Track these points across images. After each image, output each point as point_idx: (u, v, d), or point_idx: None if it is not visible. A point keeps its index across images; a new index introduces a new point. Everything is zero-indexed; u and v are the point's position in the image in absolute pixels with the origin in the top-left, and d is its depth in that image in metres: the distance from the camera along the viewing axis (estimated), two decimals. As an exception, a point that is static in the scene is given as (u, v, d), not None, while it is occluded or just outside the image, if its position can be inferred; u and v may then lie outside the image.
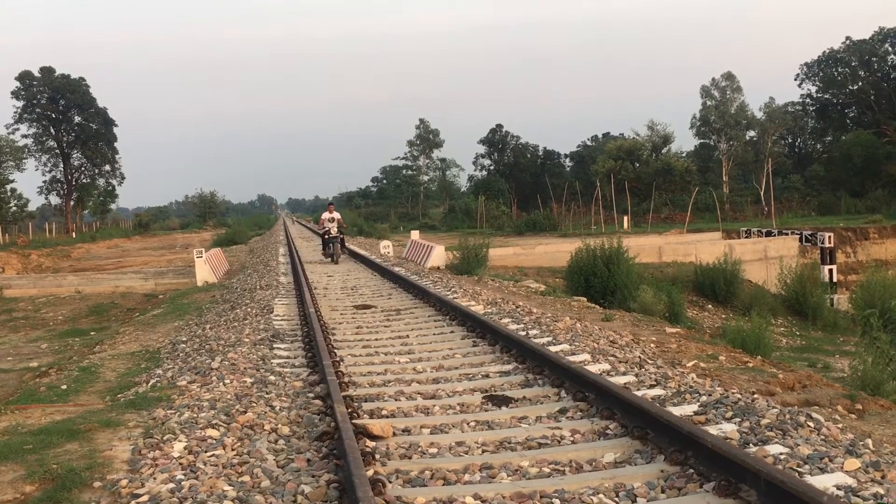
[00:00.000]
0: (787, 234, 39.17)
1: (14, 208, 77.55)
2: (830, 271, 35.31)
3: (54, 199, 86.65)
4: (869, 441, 5.90)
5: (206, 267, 26.44)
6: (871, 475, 5.11)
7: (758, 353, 12.61)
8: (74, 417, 7.81)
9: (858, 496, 4.79)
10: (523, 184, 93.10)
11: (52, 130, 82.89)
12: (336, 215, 26.24)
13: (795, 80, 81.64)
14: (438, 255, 25.65)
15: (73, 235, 73.87)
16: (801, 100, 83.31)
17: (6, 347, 18.44)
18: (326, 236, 26.24)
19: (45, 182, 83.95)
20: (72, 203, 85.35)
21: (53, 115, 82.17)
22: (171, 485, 5.52)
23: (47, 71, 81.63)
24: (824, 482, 4.96)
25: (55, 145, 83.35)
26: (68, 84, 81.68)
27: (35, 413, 8.17)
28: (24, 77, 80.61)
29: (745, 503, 4.81)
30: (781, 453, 5.52)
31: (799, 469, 5.24)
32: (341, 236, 26.52)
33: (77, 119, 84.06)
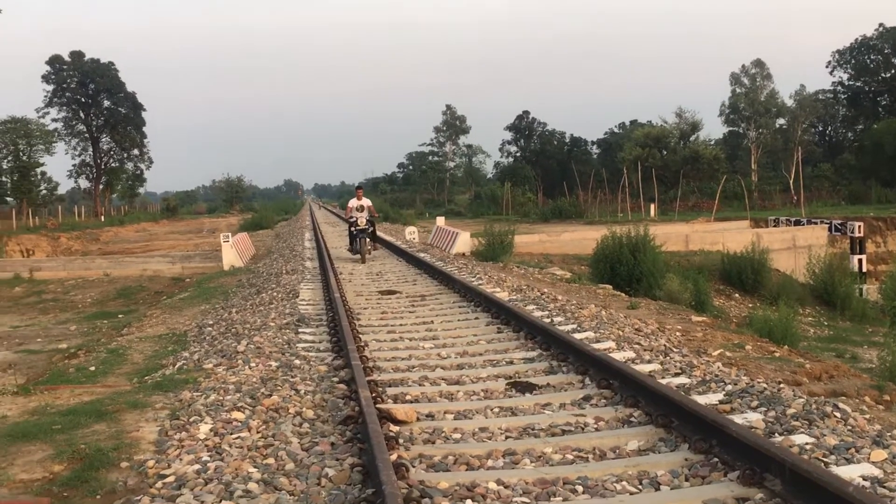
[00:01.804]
0: (816, 223, 38.79)
1: (44, 191, 78.48)
2: (860, 261, 34.94)
3: (83, 183, 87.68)
4: (896, 432, 5.85)
5: (233, 251, 26.60)
6: (898, 466, 5.06)
7: (785, 342, 12.51)
8: (102, 398, 7.89)
9: (885, 487, 4.76)
10: (549, 171, 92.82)
11: (81, 114, 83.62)
12: (366, 202, 21.73)
13: (827, 67, 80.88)
14: (464, 241, 25.64)
15: (102, 219, 74.58)
16: (832, 87, 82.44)
17: (36, 329, 18.68)
18: (354, 228, 21.31)
19: (74, 166, 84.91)
20: (100, 187, 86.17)
21: (83, 100, 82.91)
22: (197, 466, 5.57)
23: (77, 55, 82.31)
24: (850, 473, 4.92)
25: (84, 129, 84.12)
26: (98, 68, 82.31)
27: (64, 394, 8.27)
28: (54, 61, 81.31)
29: (770, 493, 4.78)
30: (807, 443, 5.48)
31: (825, 459, 5.20)
32: (371, 228, 21.66)
33: (106, 103, 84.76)
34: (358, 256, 21.28)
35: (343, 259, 21.85)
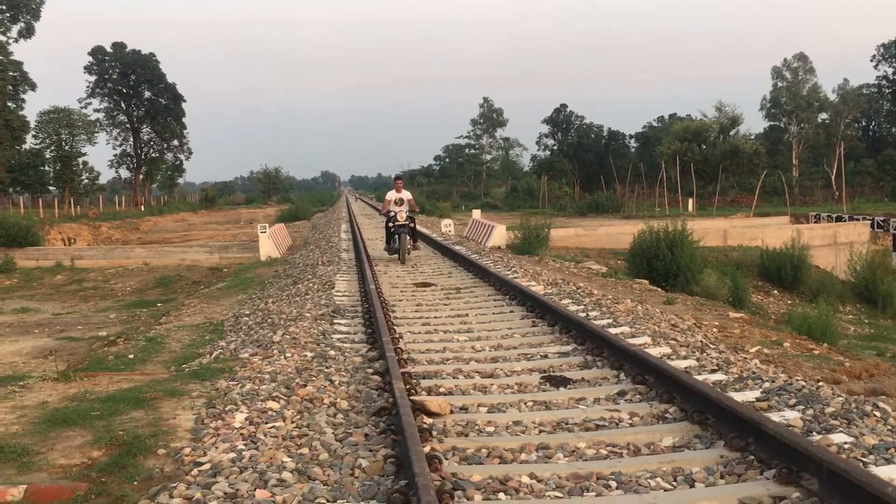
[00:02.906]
0: (857, 220, 38.21)
1: (85, 181, 79.72)
2: (902, 258, 34.34)
3: (124, 173, 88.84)
4: (938, 433, 5.74)
5: (270, 242, 26.80)
6: (939, 468, 4.96)
7: (824, 340, 12.36)
8: (140, 386, 7.99)
9: (925, 489, 4.67)
10: (586, 164, 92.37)
11: (122, 105, 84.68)
12: (406, 195, 19.27)
13: (871, 61, 79.45)
14: (499, 234, 25.61)
15: (142, 208, 75.56)
16: (876, 82, 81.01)
17: (76, 316, 18.97)
18: (392, 224, 18.86)
19: (115, 156, 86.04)
20: (141, 177, 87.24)
21: (124, 90, 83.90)
22: (233, 454, 5.62)
23: (119, 46, 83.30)
24: (890, 473, 4.84)
25: (125, 120, 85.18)
26: (139, 59, 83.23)
27: (103, 381, 8.39)
28: (97, 52, 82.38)
29: (807, 492, 4.72)
30: (846, 442, 5.40)
31: (863, 459, 5.12)
32: (412, 224, 19.04)
33: (147, 94, 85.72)
34: (395, 256, 19.04)
35: (379, 249, 21.92)
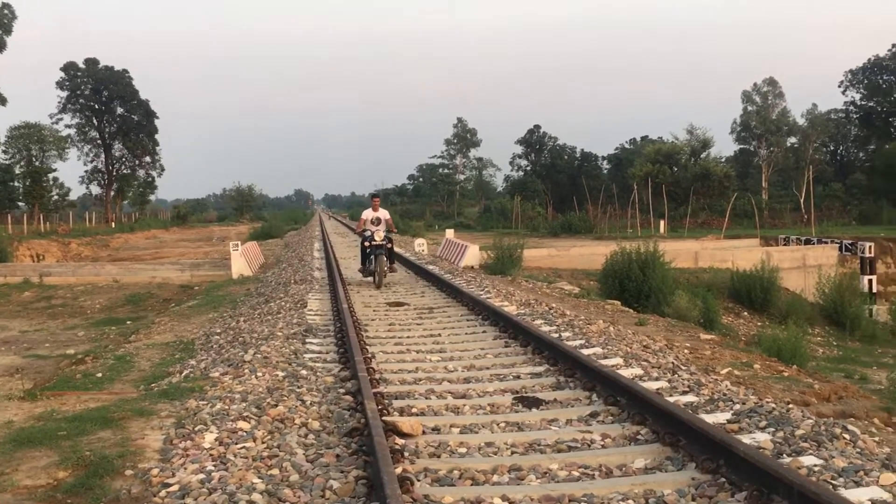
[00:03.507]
0: (826, 243, 38.62)
1: (55, 197, 78.80)
2: (870, 281, 34.73)
3: (95, 189, 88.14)
4: (906, 455, 5.79)
5: (242, 260, 26.66)
6: (907, 490, 5.01)
7: (793, 362, 12.46)
8: (108, 405, 7.90)
9: (894, 511, 4.71)
10: (559, 185, 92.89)
11: (94, 121, 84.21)
12: (383, 213, 18.29)
13: (839, 86, 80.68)
14: (473, 254, 25.64)
15: (113, 225, 74.90)
16: (844, 107, 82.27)
17: (44, 334, 18.73)
18: (368, 245, 17.68)
19: (86, 172, 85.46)
20: (112, 193, 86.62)
21: (96, 106, 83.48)
22: (202, 475, 5.56)
23: (91, 62, 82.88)
24: (859, 496, 4.88)
25: (97, 136, 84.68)
26: (112, 76, 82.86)
27: (70, 400, 8.28)
28: (69, 68, 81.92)
29: (778, 514, 4.73)
30: (816, 465, 5.43)
31: (833, 482, 5.15)
32: (389, 244, 17.88)
33: (119, 110, 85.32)
34: (371, 280, 17.96)
35: (353, 269, 21.79)
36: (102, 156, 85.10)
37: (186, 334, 14.31)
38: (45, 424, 7.13)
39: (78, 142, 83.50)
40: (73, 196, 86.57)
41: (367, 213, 18.35)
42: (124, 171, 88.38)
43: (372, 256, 17.65)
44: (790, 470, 4.99)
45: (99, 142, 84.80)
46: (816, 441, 5.91)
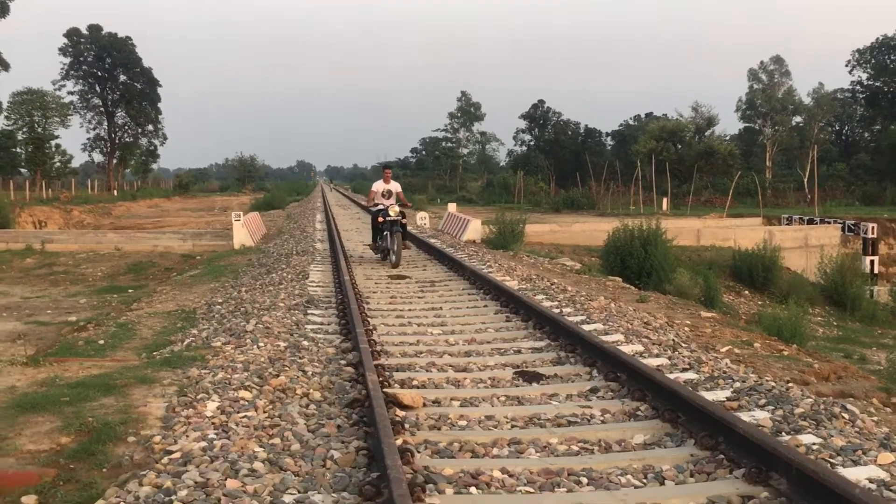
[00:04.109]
0: (829, 223, 38.60)
1: (58, 164, 78.73)
2: (872, 262, 34.77)
3: (97, 157, 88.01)
4: (904, 436, 5.82)
5: (244, 230, 26.63)
6: (904, 470, 5.04)
7: (793, 341, 12.48)
8: (111, 372, 7.92)
9: (891, 490, 4.74)
10: (563, 161, 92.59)
11: (97, 88, 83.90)
12: (394, 186, 17.16)
13: (846, 66, 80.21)
14: (475, 228, 25.61)
15: (115, 193, 74.82)
16: (850, 87, 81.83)
17: (46, 301, 18.76)
18: (380, 220, 16.40)
19: (88, 139, 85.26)
20: (114, 161, 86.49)
21: (99, 73, 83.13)
22: (203, 443, 5.59)
23: (95, 29, 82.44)
24: (857, 475, 4.90)
25: (100, 103, 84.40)
26: (115, 43, 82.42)
27: (72, 366, 8.30)
28: (72, 34, 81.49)
29: (776, 492, 4.76)
30: (814, 443, 5.46)
31: (831, 460, 5.18)
32: (403, 220, 16.41)
33: (122, 78, 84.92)
34: (382, 257, 16.85)
35: (354, 241, 21.74)
36: (105, 123, 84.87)
37: (188, 303, 14.32)
38: (47, 390, 7.15)
39: (80, 109, 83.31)
40: (75, 163, 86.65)
41: (378, 186, 17.23)
42: (127, 140, 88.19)
43: (386, 233, 16.39)
44: (789, 448, 5.01)
45: (101, 109, 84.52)
46: (815, 420, 5.94)
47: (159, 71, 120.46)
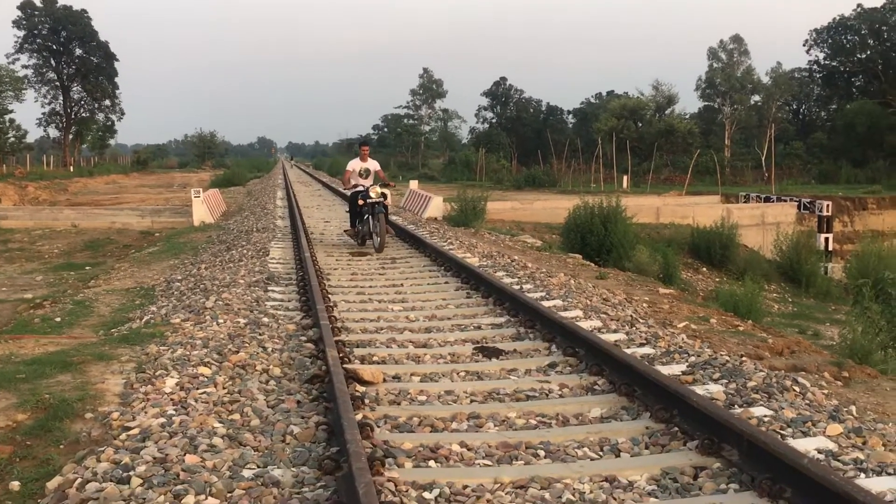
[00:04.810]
0: (785, 201, 39.11)
1: (12, 139, 77.06)
2: (826, 240, 35.32)
3: (53, 132, 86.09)
4: (853, 408, 5.97)
5: (204, 207, 26.37)
6: (852, 441, 5.18)
7: (749, 317, 12.67)
8: (68, 349, 7.85)
9: (839, 460, 4.87)
10: (524, 138, 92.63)
11: (52, 62, 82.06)
12: (373, 165, 15.87)
13: (804, 45, 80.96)
14: (436, 205, 25.60)
15: (71, 169, 73.56)
16: (808, 66, 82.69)
17: (1, 278, 18.48)
18: (361, 202, 15.10)
19: (43, 114, 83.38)
20: (70, 137, 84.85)
21: (54, 47, 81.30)
22: (162, 419, 5.58)
23: (49, 1, 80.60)
24: (806, 445, 5.04)
25: (55, 77, 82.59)
26: (70, 16, 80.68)
27: (28, 343, 8.22)
28: (26, 6, 79.56)
29: (727, 462, 4.88)
30: (766, 415, 5.59)
31: (782, 432, 5.31)
32: (385, 201, 15.04)
33: (78, 52, 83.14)
34: (364, 244, 15.50)
35: (315, 218, 21.62)
36: (60, 98, 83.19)
37: (147, 280, 14.20)
38: (3, 367, 7.08)
39: (35, 83, 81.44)
40: (30, 139, 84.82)
41: (355, 164, 15.86)
42: (83, 115, 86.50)
43: (367, 216, 15.12)
44: (741, 420, 5.13)
45: (57, 83, 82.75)
46: (767, 393, 6.07)
47: (116, 45, 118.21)
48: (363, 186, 15.20)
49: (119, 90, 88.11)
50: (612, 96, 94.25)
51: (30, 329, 9.96)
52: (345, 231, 16.51)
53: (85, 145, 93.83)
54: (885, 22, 74.65)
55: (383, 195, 14.90)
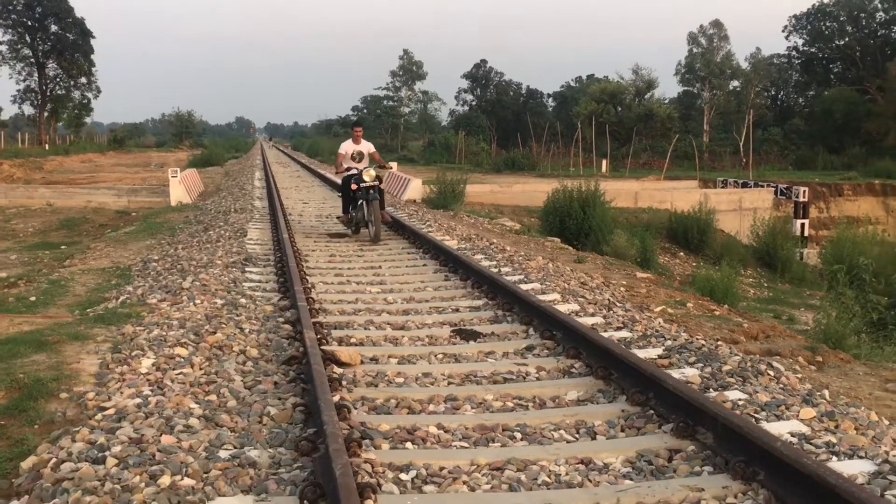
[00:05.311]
0: (762, 187, 39.37)
1: (-14, 116, 76.22)
2: (802, 225, 35.61)
3: (28, 110, 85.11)
4: (826, 392, 6.03)
5: (181, 187, 26.18)
6: (825, 424, 5.23)
7: (725, 302, 12.77)
8: (43, 329, 7.79)
9: (811, 444, 4.92)
10: (504, 121, 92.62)
11: (27, 38, 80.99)
12: (367, 147, 15.02)
13: (783, 31, 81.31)
14: (415, 188, 25.56)
15: (46, 147, 72.76)
16: (786, 52, 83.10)
17: (-25, 257, 18.28)
18: (355, 186, 14.18)
19: (18, 91, 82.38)
20: (45, 114, 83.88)
21: (29, 23, 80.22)
22: (138, 399, 5.55)
23: (23, -24, 79.47)
24: (779, 429, 5.08)
25: (30, 54, 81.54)
26: (45, -9, 79.62)
27: (3, 322, 8.15)
28: (0, -19, 78.47)
29: (701, 445, 4.92)
30: (740, 399, 5.64)
31: (756, 415, 5.35)
32: (379, 185, 14.18)
33: (53, 28, 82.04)
34: (359, 233, 14.57)
35: (293, 199, 21.52)
36: (35, 75, 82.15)
37: (123, 260, 14.10)
38: (-24, 347, 7.02)
39: (9, 59, 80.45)
40: (4, 116, 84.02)
41: (347, 147, 14.96)
42: (58, 92, 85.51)
43: (361, 202, 14.12)
44: (715, 403, 5.17)
45: (32, 60, 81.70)
46: (742, 377, 6.12)
47: (93, 22, 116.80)
48: (356, 170, 14.47)
49: (95, 67, 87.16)
50: (592, 80, 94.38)
51: (4, 308, 9.86)
52: (337, 218, 15.76)
53: (60, 123, 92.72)
54: (864, 9, 75.12)
55: (378, 179, 14.09)
